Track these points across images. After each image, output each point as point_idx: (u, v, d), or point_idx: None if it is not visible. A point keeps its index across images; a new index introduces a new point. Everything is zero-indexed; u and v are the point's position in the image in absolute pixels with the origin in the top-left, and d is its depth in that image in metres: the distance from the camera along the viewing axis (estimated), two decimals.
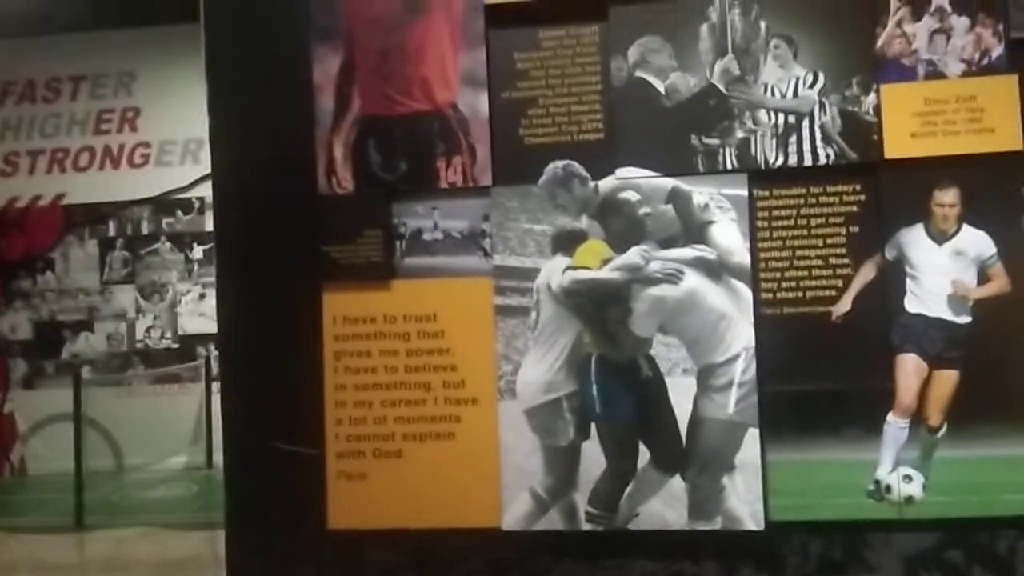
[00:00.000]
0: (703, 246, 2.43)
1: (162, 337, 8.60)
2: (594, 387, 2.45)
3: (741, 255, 2.41)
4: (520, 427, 2.48)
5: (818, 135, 2.42)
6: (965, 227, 2.36)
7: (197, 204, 8.53)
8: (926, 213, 2.37)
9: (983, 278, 2.35)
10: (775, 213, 2.44)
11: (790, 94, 2.43)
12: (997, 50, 2.36)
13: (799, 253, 2.43)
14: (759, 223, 2.44)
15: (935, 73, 2.38)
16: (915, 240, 2.37)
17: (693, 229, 2.44)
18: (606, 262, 2.45)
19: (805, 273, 2.42)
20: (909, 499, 2.34)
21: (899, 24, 2.40)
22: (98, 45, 8.35)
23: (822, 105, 2.41)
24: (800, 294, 2.42)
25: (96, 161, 8.60)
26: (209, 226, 8.31)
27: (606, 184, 2.48)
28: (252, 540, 2.62)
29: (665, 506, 2.43)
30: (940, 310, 2.36)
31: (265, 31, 2.68)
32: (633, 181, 2.47)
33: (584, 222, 2.48)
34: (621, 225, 2.46)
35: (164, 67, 8.26)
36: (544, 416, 2.48)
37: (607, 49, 2.51)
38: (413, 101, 2.58)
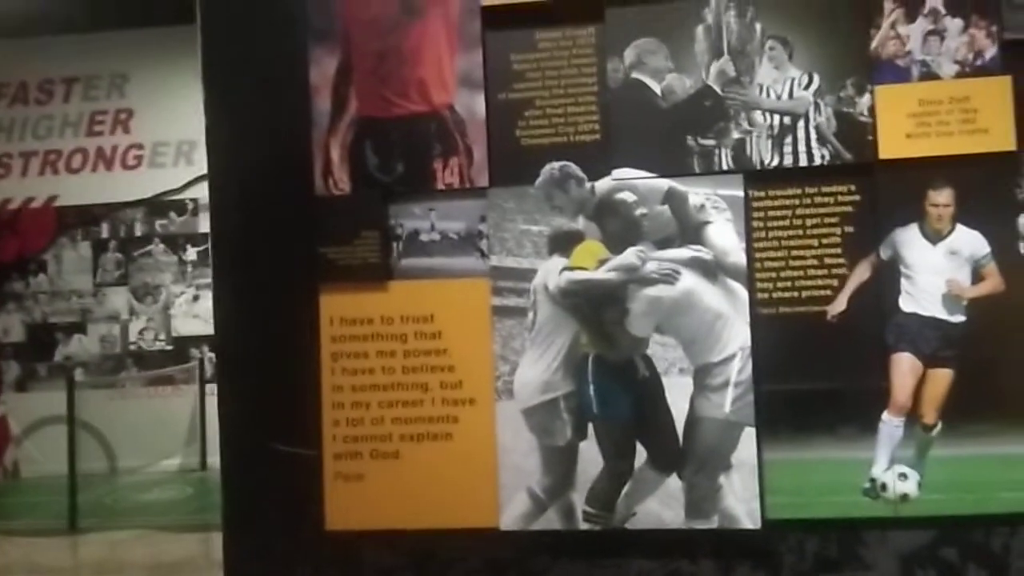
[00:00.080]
0: (699, 246, 2.44)
1: (155, 339, 8.58)
2: (591, 387, 2.46)
3: (737, 255, 2.43)
4: (517, 427, 2.49)
5: (813, 136, 2.43)
6: (959, 227, 2.38)
7: (190, 206, 8.52)
8: (920, 213, 2.39)
9: (977, 277, 2.37)
10: (771, 213, 2.45)
11: (785, 95, 2.45)
12: (990, 51, 2.38)
13: (795, 253, 2.44)
14: (755, 223, 2.45)
15: (929, 74, 2.40)
16: (910, 240, 2.39)
17: (689, 229, 2.45)
18: (603, 263, 2.46)
19: (801, 273, 2.44)
20: (904, 497, 2.36)
21: (893, 25, 2.42)
22: (91, 47, 8.33)
23: (817, 106, 2.43)
24: (796, 294, 2.44)
25: (89, 163, 8.58)
26: (202, 227, 8.35)
27: (602, 185, 2.49)
28: (250, 541, 2.62)
29: (662, 505, 2.43)
30: (935, 309, 2.38)
31: (261, 32, 2.68)
32: (629, 182, 2.48)
33: (581, 223, 2.49)
34: (617, 226, 2.47)
35: (157, 68, 8.25)
36: (541, 416, 2.48)
37: (603, 51, 2.52)
38: (410, 103, 2.59)
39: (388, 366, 2.57)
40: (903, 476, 2.36)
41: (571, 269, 2.47)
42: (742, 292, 2.42)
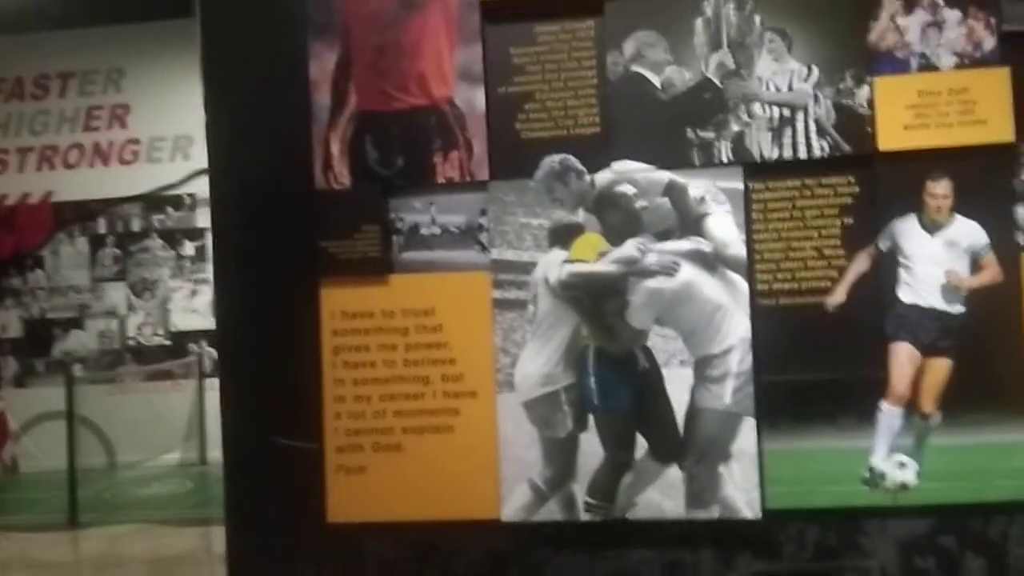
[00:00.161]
0: (699, 238, 2.45)
1: (154, 334, 8.57)
2: (592, 379, 2.47)
3: (737, 247, 2.44)
4: (519, 419, 2.50)
5: (812, 128, 2.44)
6: (958, 217, 2.39)
7: (188, 200, 8.49)
8: (919, 204, 2.40)
9: (976, 268, 2.38)
10: (770, 205, 2.46)
11: (784, 87, 2.46)
12: (989, 43, 2.39)
13: (794, 245, 2.45)
14: (754, 215, 2.46)
15: (928, 66, 2.41)
16: (908, 231, 2.40)
17: (689, 222, 2.46)
18: (603, 255, 2.47)
19: (800, 264, 2.45)
20: (903, 486, 2.38)
21: (892, 17, 2.43)
22: (87, 41, 8.29)
23: (816, 98, 2.44)
24: (795, 285, 2.45)
25: (86, 158, 8.54)
26: (200, 222, 8.33)
27: (602, 178, 2.50)
28: (252, 535, 2.64)
29: (663, 496, 2.45)
30: (933, 300, 2.39)
31: (261, 27, 2.68)
32: (629, 175, 2.48)
33: (581, 215, 2.50)
34: (618, 218, 2.48)
35: (153, 63, 8.21)
36: (542, 408, 2.50)
37: (603, 43, 2.52)
38: (410, 96, 2.59)
39: (389, 359, 2.58)
40: (902, 465, 2.38)
41: (571, 262, 2.48)
42: (742, 284, 2.44)
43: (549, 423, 2.49)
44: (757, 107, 2.47)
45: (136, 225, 8.58)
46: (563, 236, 2.50)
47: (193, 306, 8.50)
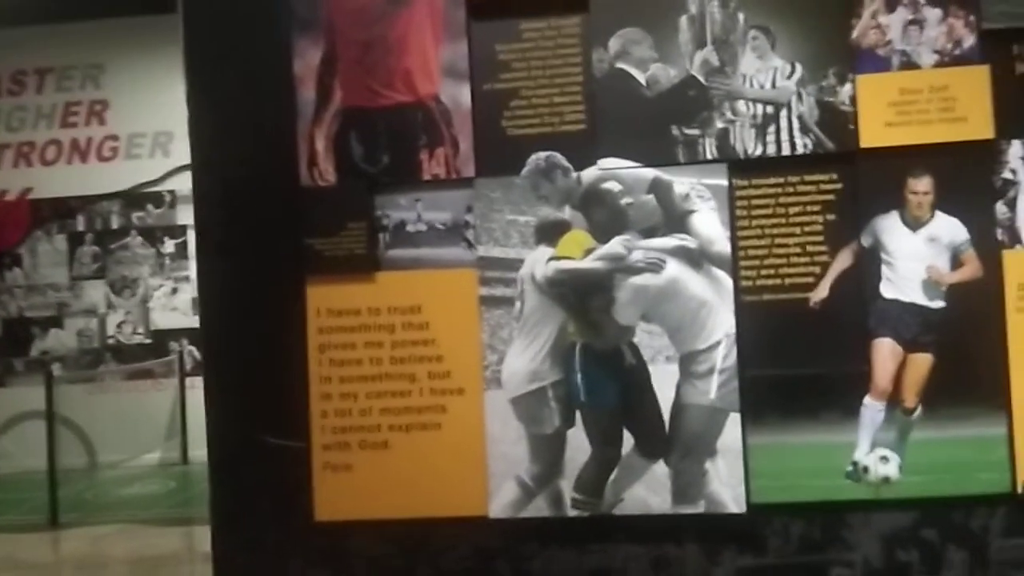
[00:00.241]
0: (684, 235, 2.46)
1: (134, 332, 8.49)
2: (578, 375, 2.48)
3: (721, 244, 2.45)
4: (506, 416, 2.51)
5: (796, 125, 2.46)
6: (938, 214, 2.42)
7: (168, 198, 8.41)
8: (901, 201, 2.43)
9: (956, 264, 2.41)
10: (754, 202, 2.48)
11: (768, 85, 2.47)
12: (969, 41, 2.42)
13: (778, 241, 2.47)
14: (739, 212, 2.48)
15: (909, 64, 2.44)
16: (890, 227, 2.43)
17: (674, 218, 2.48)
18: (589, 252, 2.48)
19: (784, 261, 2.47)
20: (886, 479, 2.41)
21: (874, 15, 2.45)
22: (64, 37, 8.18)
23: (799, 95, 2.46)
24: (779, 281, 2.47)
25: (64, 155, 8.44)
26: (180, 220, 8.26)
27: (588, 175, 2.50)
28: (239, 533, 2.62)
29: (649, 491, 2.47)
30: (915, 295, 2.42)
31: (245, 22, 2.67)
32: (615, 171, 2.49)
33: (567, 212, 2.51)
34: (603, 215, 2.49)
35: (132, 59, 8.13)
36: (529, 405, 2.50)
37: (588, 40, 2.53)
38: (395, 93, 2.59)
39: (376, 357, 2.57)
40: (885, 459, 2.41)
41: (558, 258, 2.48)
42: (727, 280, 2.45)
43: (536, 420, 2.50)
44: (741, 104, 2.48)
45: (115, 222, 8.49)
46: (549, 233, 2.51)
47: (173, 304, 8.44)
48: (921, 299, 2.42)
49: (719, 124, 2.48)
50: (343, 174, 2.59)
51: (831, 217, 2.45)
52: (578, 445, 2.49)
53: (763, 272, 2.47)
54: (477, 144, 2.55)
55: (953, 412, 2.39)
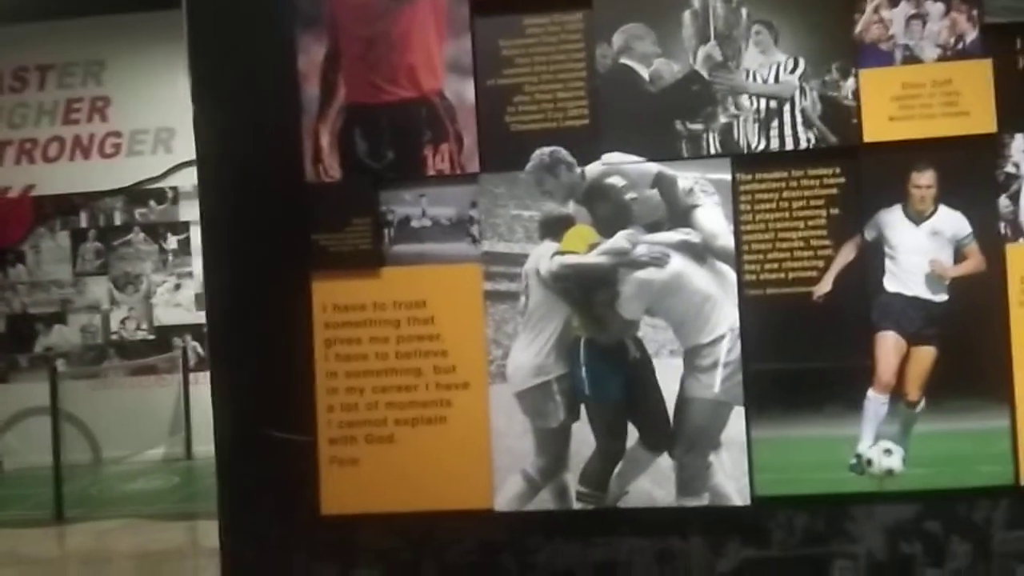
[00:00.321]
0: (688, 229, 2.47)
1: (137, 328, 8.51)
2: (583, 369, 2.49)
3: (725, 238, 2.46)
4: (511, 410, 2.52)
5: (799, 119, 2.47)
6: (941, 208, 2.43)
7: (170, 194, 8.43)
8: (904, 194, 2.44)
9: (959, 257, 2.42)
10: (758, 196, 2.49)
11: (771, 79, 2.48)
12: (971, 35, 2.42)
13: (781, 235, 2.48)
14: (742, 206, 2.49)
15: (912, 58, 2.44)
16: (893, 221, 2.44)
17: (678, 213, 2.48)
18: (593, 247, 2.49)
19: (787, 255, 2.48)
20: (889, 472, 2.42)
21: (876, 10, 2.46)
22: (66, 33, 8.19)
23: (803, 90, 2.47)
24: (783, 275, 2.48)
25: (66, 151, 8.45)
26: (183, 216, 8.27)
27: (592, 170, 2.51)
28: (246, 527, 2.64)
29: (654, 484, 2.48)
30: (918, 289, 2.43)
31: (248, 18, 2.67)
32: (619, 166, 2.50)
33: (571, 207, 2.52)
34: (608, 210, 2.50)
35: (134, 55, 8.13)
36: (534, 399, 2.52)
37: (591, 36, 2.54)
38: (399, 88, 2.59)
39: (381, 352, 2.59)
40: (888, 452, 2.42)
41: (562, 253, 2.49)
42: (730, 274, 2.46)
43: (541, 413, 2.52)
44: (744, 99, 2.49)
45: (118, 219, 8.51)
46: (554, 228, 2.52)
47: (177, 300, 8.45)
48: (924, 293, 2.43)
49: (722, 119, 2.49)
50: (348, 170, 2.60)
51: (834, 211, 2.46)
52: (583, 439, 2.50)
53: (767, 266, 2.48)
54: (481, 140, 2.56)
55: (956, 405, 2.40)
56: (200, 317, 8.26)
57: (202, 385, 8.22)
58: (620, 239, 2.47)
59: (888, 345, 2.43)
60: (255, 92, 2.66)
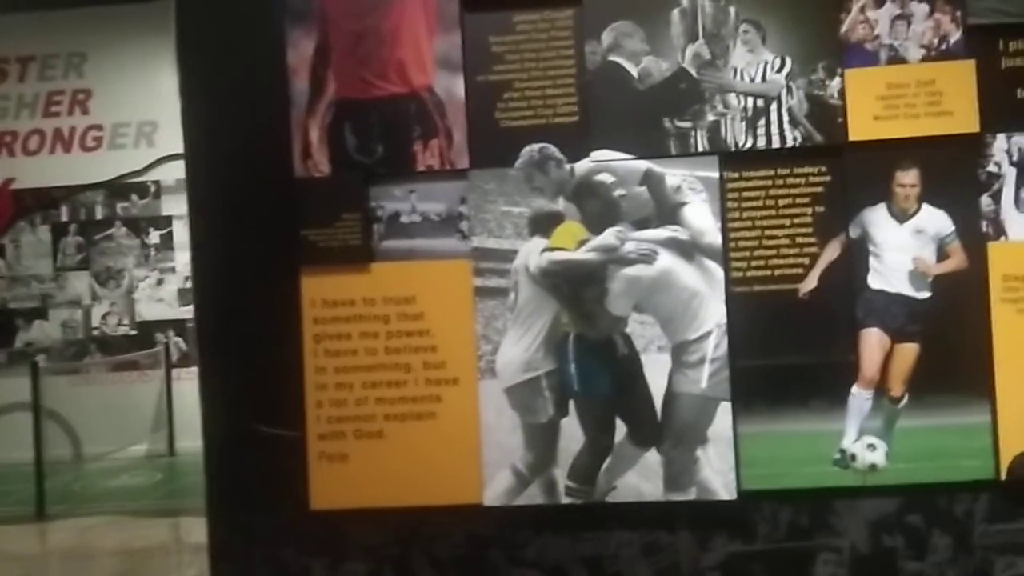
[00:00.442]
0: (676, 226, 2.50)
1: (119, 324, 8.44)
2: (572, 365, 2.51)
3: (712, 235, 2.49)
4: (500, 405, 2.54)
5: (785, 118, 2.49)
6: (925, 206, 2.46)
7: (153, 188, 8.36)
8: (888, 193, 2.47)
9: (942, 255, 2.46)
10: (745, 194, 2.52)
11: (759, 78, 2.51)
12: (955, 36, 2.46)
13: (768, 233, 2.51)
14: (729, 204, 2.51)
15: (896, 58, 2.48)
16: (878, 219, 2.47)
17: (666, 210, 2.51)
18: (582, 243, 2.50)
19: (773, 252, 2.51)
20: (873, 467, 2.46)
21: (862, 10, 2.49)
22: (47, 25, 8.09)
23: (789, 89, 2.49)
24: (769, 272, 2.51)
25: (47, 144, 8.35)
26: (165, 210, 8.21)
27: (581, 166, 2.53)
28: (234, 522, 2.64)
29: (641, 479, 2.50)
30: (901, 286, 2.46)
31: (238, 12, 2.66)
32: (608, 163, 2.52)
33: (560, 204, 2.53)
34: (597, 207, 2.52)
35: (116, 47, 8.05)
36: (524, 394, 2.53)
37: (581, 33, 2.55)
38: (389, 84, 2.60)
39: (371, 347, 2.59)
40: (871, 447, 2.46)
41: (551, 249, 2.51)
42: (717, 271, 2.49)
43: (530, 409, 2.53)
44: (732, 97, 2.51)
45: (100, 213, 8.42)
46: (543, 224, 2.53)
47: (159, 295, 8.39)
48: (908, 290, 2.46)
49: (710, 117, 2.51)
50: (337, 165, 2.60)
51: (820, 209, 2.49)
52: (571, 434, 2.52)
53: (753, 263, 2.51)
54: (471, 135, 2.57)
55: (938, 400, 2.44)
56: (183, 313, 8.21)
57: (184, 381, 8.18)
58: (609, 236, 2.49)
59: (872, 341, 2.47)
60: (244, 86, 2.65)
